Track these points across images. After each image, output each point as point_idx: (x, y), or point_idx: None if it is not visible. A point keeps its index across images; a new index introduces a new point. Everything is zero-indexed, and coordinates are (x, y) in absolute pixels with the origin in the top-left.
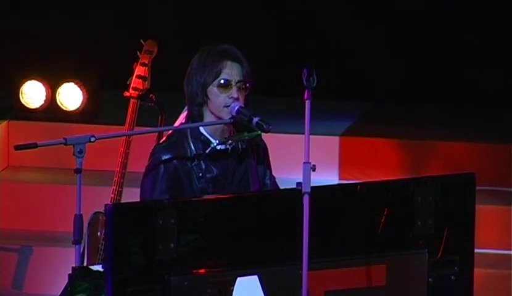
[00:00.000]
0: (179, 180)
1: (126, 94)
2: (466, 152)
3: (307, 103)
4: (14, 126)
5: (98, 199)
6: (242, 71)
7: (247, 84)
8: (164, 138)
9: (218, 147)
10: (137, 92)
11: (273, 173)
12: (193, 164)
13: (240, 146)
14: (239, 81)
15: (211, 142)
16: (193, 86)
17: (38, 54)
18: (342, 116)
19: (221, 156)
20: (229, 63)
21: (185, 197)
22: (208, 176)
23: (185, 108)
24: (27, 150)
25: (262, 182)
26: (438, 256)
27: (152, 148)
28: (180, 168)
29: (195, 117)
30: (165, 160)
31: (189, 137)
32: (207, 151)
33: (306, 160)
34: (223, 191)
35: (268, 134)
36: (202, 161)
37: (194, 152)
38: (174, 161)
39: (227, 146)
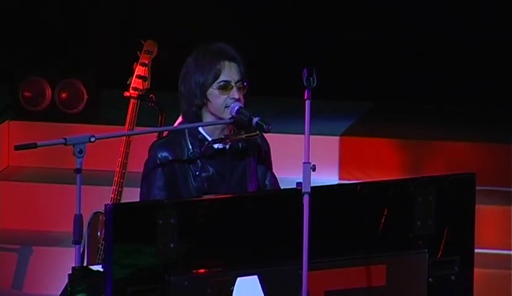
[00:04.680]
0: (175, 178)
1: (126, 94)
2: (466, 152)
3: (307, 103)
4: (14, 126)
5: (98, 199)
6: (240, 69)
7: (245, 83)
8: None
9: (216, 146)
10: (137, 92)
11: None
12: (189, 163)
13: (239, 145)
14: (238, 81)
15: (208, 140)
16: (191, 87)
17: (38, 54)
18: (342, 116)
19: (218, 155)
20: (226, 63)
21: (180, 195)
22: (203, 175)
23: None
24: (27, 150)
25: (262, 183)
26: (438, 256)
27: (150, 145)
28: (176, 166)
29: (192, 118)
30: (161, 157)
31: (187, 135)
32: (203, 149)
33: (306, 160)
34: (218, 190)
35: (268, 134)
36: (198, 160)
37: (191, 151)
38: (170, 158)
39: (225, 145)
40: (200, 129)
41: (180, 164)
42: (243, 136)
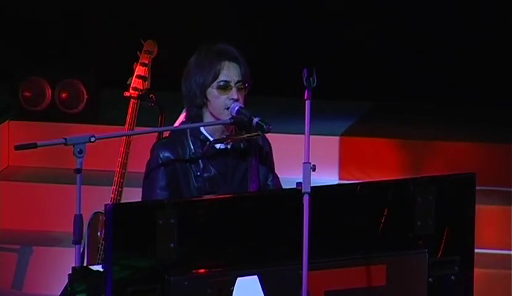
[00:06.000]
0: (177, 178)
1: (126, 94)
2: (466, 152)
3: (307, 103)
4: (14, 126)
5: (98, 199)
6: (241, 70)
7: (246, 84)
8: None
9: (217, 146)
10: (137, 92)
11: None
12: (191, 163)
13: (241, 145)
14: (238, 81)
15: (209, 140)
16: (191, 87)
17: (38, 54)
18: (342, 116)
19: (220, 156)
20: (227, 63)
21: (181, 195)
22: (205, 175)
23: (185, 108)
24: (27, 150)
25: (264, 184)
26: (438, 256)
27: (152, 144)
28: (178, 166)
29: (194, 118)
30: (163, 157)
31: (189, 136)
32: (205, 149)
33: (306, 160)
34: (220, 191)
35: (268, 134)
36: (200, 160)
37: (193, 151)
38: (173, 158)
39: (227, 145)
40: (202, 129)
41: (182, 164)
42: (245, 136)
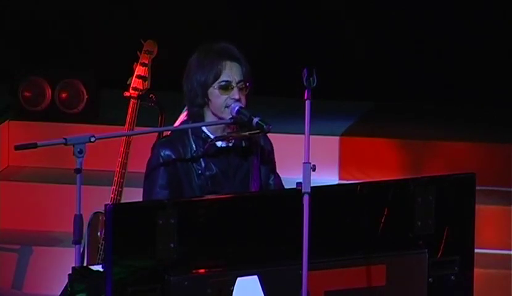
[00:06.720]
0: (178, 177)
1: (126, 94)
2: (466, 152)
3: (307, 103)
4: (14, 126)
5: (98, 199)
6: (242, 70)
7: (247, 84)
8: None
9: (219, 144)
10: (137, 92)
11: None
12: (193, 162)
13: (243, 144)
14: (239, 81)
15: (211, 138)
16: (193, 86)
17: (38, 54)
18: (342, 116)
19: (222, 154)
20: (228, 63)
21: (183, 194)
22: (207, 173)
23: (185, 108)
24: (27, 150)
25: (265, 183)
26: (438, 256)
27: (153, 143)
28: (179, 164)
29: (195, 117)
30: (164, 155)
31: (190, 134)
32: (206, 147)
33: (306, 160)
34: (222, 189)
35: (268, 134)
36: (201, 159)
37: (194, 149)
38: (173, 157)
39: (229, 143)
40: (203, 128)
41: (183, 162)
42: (247, 133)
